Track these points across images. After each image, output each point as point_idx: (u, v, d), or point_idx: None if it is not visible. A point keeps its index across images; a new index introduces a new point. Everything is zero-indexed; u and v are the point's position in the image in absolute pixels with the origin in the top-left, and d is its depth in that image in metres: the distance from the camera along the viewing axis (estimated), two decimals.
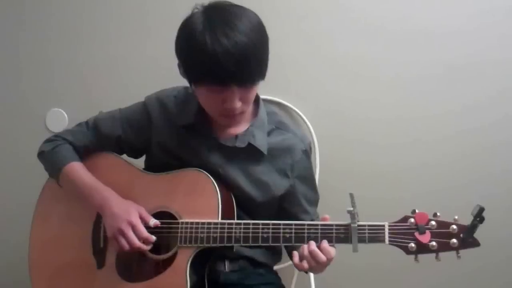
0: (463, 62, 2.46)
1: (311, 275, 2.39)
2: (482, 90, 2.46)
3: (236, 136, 1.88)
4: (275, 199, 1.93)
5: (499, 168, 2.46)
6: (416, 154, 2.50)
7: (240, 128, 1.89)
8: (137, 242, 1.79)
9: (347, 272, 2.50)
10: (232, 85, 1.69)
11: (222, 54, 1.62)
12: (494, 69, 2.45)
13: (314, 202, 2.04)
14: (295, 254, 1.75)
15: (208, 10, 1.71)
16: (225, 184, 1.87)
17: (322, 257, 1.69)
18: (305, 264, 1.71)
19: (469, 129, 2.46)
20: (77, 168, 1.96)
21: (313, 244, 1.70)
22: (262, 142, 1.88)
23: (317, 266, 1.71)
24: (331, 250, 1.71)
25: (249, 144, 1.87)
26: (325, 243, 1.70)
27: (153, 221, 1.82)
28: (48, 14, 2.70)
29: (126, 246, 1.79)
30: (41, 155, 2.03)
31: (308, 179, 2.00)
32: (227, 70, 1.65)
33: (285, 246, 1.98)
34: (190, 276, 1.77)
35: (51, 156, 2.00)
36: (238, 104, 1.74)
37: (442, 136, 2.49)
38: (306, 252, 1.70)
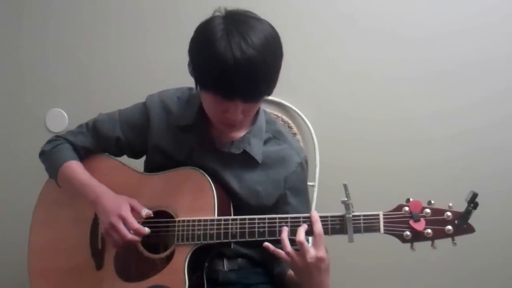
0: (463, 62, 2.47)
1: None
2: (481, 89, 2.48)
3: (232, 142, 1.87)
4: (266, 207, 1.91)
5: (499, 168, 2.47)
6: (417, 153, 2.51)
7: (238, 134, 1.88)
8: (129, 235, 1.78)
9: (347, 271, 2.50)
10: (236, 99, 1.68)
11: (233, 68, 1.61)
12: (494, 69, 2.46)
13: None
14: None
15: (228, 18, 1.69)
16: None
17: (313, 252, 1.66)
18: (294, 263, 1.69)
19: (469, 129, 2.48)
20: (74, 167, 1.96)
21: (301, 233, 1.68)
22: (257, 150, 1.87)
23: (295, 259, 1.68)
24: (309, 248, 1.67)
25: (244, 151, 1.86)
26: (299, 236, 1.68)
27: (145, 211, 1.82)
28: (48, 14, 2.73)
29: (118, 239, 1.79)
30: (42, 155, 2.05)
31: (301, 193, 1.97)
32: (234, 84, 1.63)
33: (276, 270, 1.97)
34: (188, 274, 1.76)
35: (50, 156, 2.01)
36: (239, 117, 1.74)
37: (443, 135, 2.50)
38: (289, 249, 1.68)
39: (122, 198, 1.84)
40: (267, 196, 1.89)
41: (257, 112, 1.91)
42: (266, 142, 1.90)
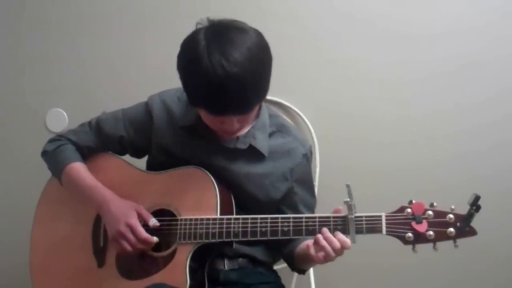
0: (463, 62, 2.47)
1: (311, 273, 2.39)
2: (482, 89, 2.47)
3: (238, 138, 1.88)
4: (274, 201, 1.93)
5: (498, 168, 2.47)
6: (416, 153, 2.51)
7: (242, 130, 1.89)
8: (137, 244, 1.79)
9: (347, 271, 2.50)
10: (227, 114, 1.69)
11: (218, 87, 1.60)
12: (494, 69, 2.45)
13: (311, 207, 2.04)
14: (310, 245, 1.73)
15: (209, 33, 1.67)
16: (227, 184, 1.87)
17: (337, 244, 1.67)
18: (320, 254, 1.69)
19: (468, 128, 2.47)
20: (78, 169, 1.96)
21: (326, 232, 1.69)
22: (263, 144, 1.88)
23: (332, 254, 1.69)
24: (347, 240, 1.69)
25: (250, 146, 1.87)
26: (339, 235, 1.69)
27: (152, 222, 1.82)
28: (48, 14, 2.73)
29: (127, 248, 1.80)
30: (44, 154, 2.05)
31: (307, 183, 2.00)
32: (222, 102, 1.64)
33: (285, 251, 1.97)
34: (190, 273, 1.77)
35: (53, 156, 2.01)
36: (236, 126, 1.75)
37: (442, 135, 2.49)
38: (322, 241, 1.68)
39: (129, 205, 1.85)
40: (274, 189, 1.91)
41: (260, 107, 1.92)
42: (270, 135, 1.92)
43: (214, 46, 1.62)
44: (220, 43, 1.63)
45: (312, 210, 2.03)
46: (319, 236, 1.69)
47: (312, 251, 1.71)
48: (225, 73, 1.59)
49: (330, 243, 1.68)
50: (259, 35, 1.71)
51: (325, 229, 1.70)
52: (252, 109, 1.72)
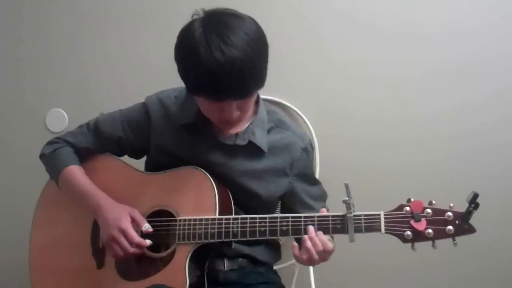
0: (463, 62, 2.46)
1: (311, 273, 2.39)
2: (482, 89, 2.46)
3: (236, 134, 1.88)
4: (275, 196, 1.94)
5: (498, 168, 2.46)
6: (416, 153, 2.50)
7: (240, 127, 1.89)
8: (130, 248, 1.80)
9: (347, 271, 2.51)
10: (228, 99, 1.69)
11: (217, 70, 1.61)
12: (494, 69, 2.45)
13: (319, 197, 2.03)
14: (295, 245, 1.73)
15: (205, 21, 1.69)
16: (227, 182, 1.87)
17: (320, 246, 1.68)
18: (304, 256, 1.70)
19: (468, 129, 2.47)
20: (74, 172, 1.97)
21: (312, 232, 1.70)
22: (262, 140, 1.88)
23: (315, 257, 1.70)
24: (328, 242, 1.70)
25: (250, 142, 1.87)
26: (321, 235, 1.70)
27: (145, 227, 1.82)
28: (48, 14, 2.73)
29: (120, 252, 1.81)
30: (42, 157, 2.05)
31: (307, 176, 2.00)
32: (222, 86, 1.65)
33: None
34: (189, 274, 1.77)
35: (51, 159, 2.01)
36: (236, 114, 1.76)
37: (442, 135, 2.49)
38: (307, 242, 1.69)
39: (122, 209, 1.85)
40: (274, 184, 1.91)
41: (258, 104, 1.92)
42: (269, 131, 1.92)
43: (212, 32, 1.64)
44: (217, 28, 1.64)
45: (323, 201, 2.03)
46: (305, 237, 1.70)
47: (296, 251, 1.72)
48: (224, 56, 1.60)
49: (314, 245, 1.68)
50: (254, 21, 1.73)
51: (310, 228, 1.71)
52: (250, 93, 1.73)
